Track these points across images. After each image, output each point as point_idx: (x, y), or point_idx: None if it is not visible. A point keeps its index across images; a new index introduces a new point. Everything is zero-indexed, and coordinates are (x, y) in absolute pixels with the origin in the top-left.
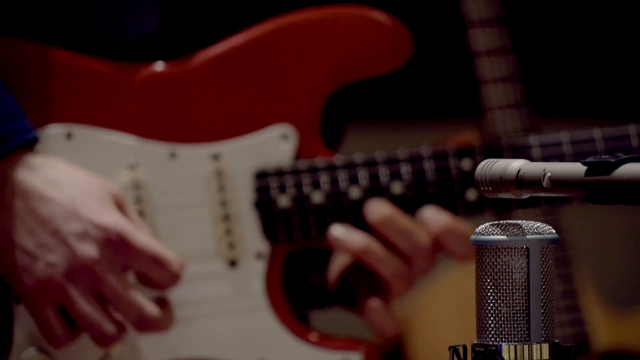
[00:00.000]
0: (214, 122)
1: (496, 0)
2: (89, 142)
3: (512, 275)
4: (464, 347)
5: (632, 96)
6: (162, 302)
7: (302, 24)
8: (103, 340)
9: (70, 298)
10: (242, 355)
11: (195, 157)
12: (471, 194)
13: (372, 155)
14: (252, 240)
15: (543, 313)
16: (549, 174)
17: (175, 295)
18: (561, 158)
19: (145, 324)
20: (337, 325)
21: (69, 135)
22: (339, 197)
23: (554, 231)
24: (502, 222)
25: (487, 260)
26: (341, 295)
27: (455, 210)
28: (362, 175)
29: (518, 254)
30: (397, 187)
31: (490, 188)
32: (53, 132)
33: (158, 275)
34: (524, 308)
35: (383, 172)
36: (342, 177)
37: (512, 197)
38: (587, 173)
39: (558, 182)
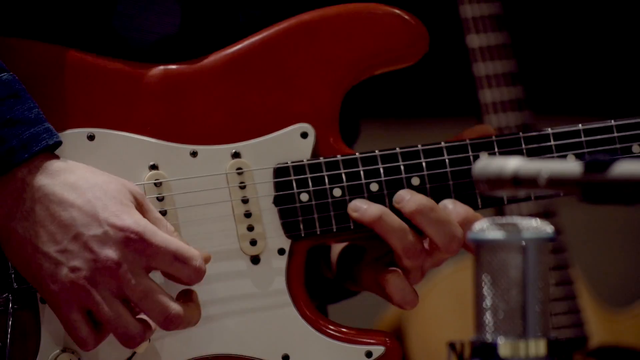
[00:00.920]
0: (233, 123)
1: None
2: (110, 142)
3: (508, 272)
4: (462, 343)
5: (630, 94)
6: (188, 296)
7: (319, 22)
8: (130, 341)
9: (95, 302)
10: (267, 352)
11: (216, 155)
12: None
13: (390, 149)
14: (274, 236)
15: (539, 309)
16: (544, 173)
17: (198, 293)
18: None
19: (171, 323)
20: (353, 312)
21: (91, 137)
22: (358, 191)
23: (550, 228)
24: (499, 220)
25: (484, 257)
26: (343, 274)
27: (474, 202)
28: (381, 169)
29: (514, 251)
30: (415, 180)
31: (487, 186)
32: (75, 133)
33: (181, 273)
34: (520, 304)
35: (402, 166)
36: (362, 171)
37: (509, 194)
38: (582, 172)
39: (554, 181)
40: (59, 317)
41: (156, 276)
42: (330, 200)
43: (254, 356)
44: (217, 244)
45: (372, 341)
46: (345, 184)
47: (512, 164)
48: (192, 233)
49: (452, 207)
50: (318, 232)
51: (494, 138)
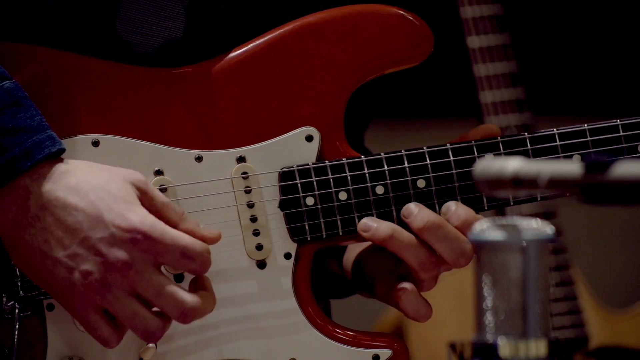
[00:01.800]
0: (237, 127)
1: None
2: (115, 148)
3: (509, 273)
4: (462, 343)
5: (631, 94)
6: (201, 284)
7: (323, 24)
8: (150, 336)
9: (110, 303)
10: (274, 357)
11: (221, 159)
12: None
13: (396, 151)
14: (280, 240)
15: (539, 310)
16: (544, 174)
17: None
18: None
19: (187, 316)
20: (354, 313)
21: (95, 143)
22: (364, 194)
23: (550, 229)
24: (499, 220)
25: (485, 257)
26: (357, 282)
27: (480, 203)
28: (387, 171)
29: (515, 252)
30: (421, 183)
31: (488, 187)
32: (80, 139)
33: (189, 267)
34: (520, 305)
35: (407, 168)
36: (367, 174)
37: (510, 195)
38: (583, 173)
39: (554, 182)
40: (77, 320)
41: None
42: (335, 203)
43: None
44: (222, 248)
45: (379, 344)
46: (350, 187)
47: (513, 164)
48: None
49: (454, 209)
50: (324, 236)
51: (499, 139)
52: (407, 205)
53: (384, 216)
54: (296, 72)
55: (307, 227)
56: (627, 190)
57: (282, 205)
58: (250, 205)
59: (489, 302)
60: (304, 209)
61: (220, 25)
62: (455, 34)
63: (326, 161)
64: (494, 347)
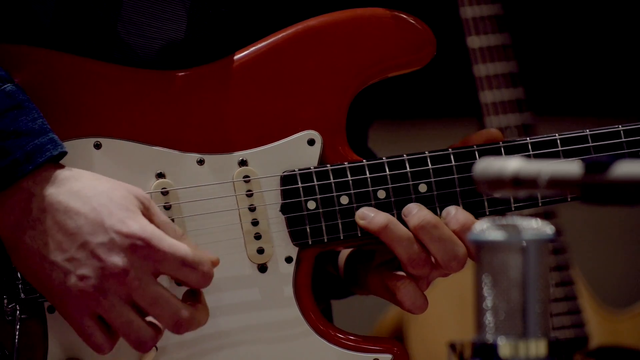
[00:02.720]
0: (239, 131)
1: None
2: (117, 151)
3: (509, 273)
4: (462, 343)
5: (631, 94)
6: (195, 297)
7: (326, 28)
8: (142, 345)
9: (105, 309)
10: None
11: (223, 163)
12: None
13: (398, 156)
14: (281, 244)
15: (539, 310)
16: (545, 174)
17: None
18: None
19: (181, 327)
20: (355, 313)
21: (97, 145)
22: (366, 198)
23: (550, 229)
24: (499, 220)
25: (485, 258)
26: (350, 278)
27: (482, 207)
28: (389, 176)
29: (515, 252)
30: (423, 187)
31: (488, 187)
32: (82, 141)
33: (189, 278)
34: (520, 305)
35: (409, 173)
36: (369, 178)
37: (510, 195)
38: (583, 173)
39: (554, 182)
40: (71, 325)
41: (164, 280)
42: (337, 207)
43: None
44: (224, 252)
45: (379, 349)
46: (352, 191)
47: (513, 164)
48: (199, 241)
49: (454, 214)
50: (325, 240)
51: (501, 144)
52: (408, 205)
53: None
54: (298, 75)
55: (308, 231)
56: (627, 190)
57: (284, 209)
58: (252, 209)
59: (489, 302)
60: (305, 212)
61: (222, 27)
62: (455, 34)
63: (328, 165)
64: (494, 347)
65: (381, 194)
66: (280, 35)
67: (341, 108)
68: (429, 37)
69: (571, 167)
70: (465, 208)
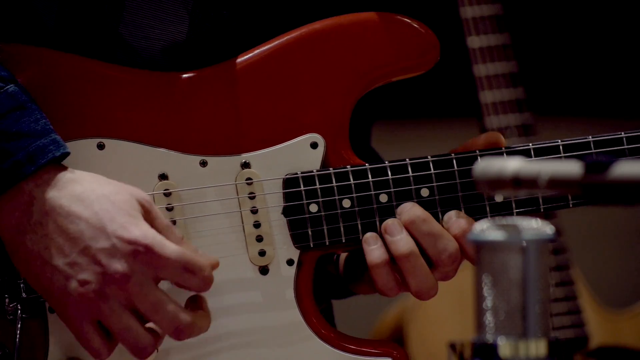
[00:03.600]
0: (243, 133)
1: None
2: (120, 152)
3: (509, 273)
4: (462, 343)
5: (631, 95)
6: (197, 304)
7: (330, 31)
8: (141, 352)
9: (105, 314)
10: None
11: (226, 165)
12: (499, 195)
13: (400, 160)
14: (283, 247)
15: (539, 310)
16: (545, 174)
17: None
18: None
19: (182, 333)
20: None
21: (101, 146)
22: (368, 202)
23: (550, 229)
24: (499, 220)
25: (485, 257)
26: (349, 275)
27: (484, 212)
28: (391, 180)
29: (515, 252)
30: (425, 192)
31: (488, 187)
32: (85, 142)
33: (190, 283)
34: (520, 305)
35: (411, 177)
36: (371, 182)
37: (510, 195)
38: (583, 173)
39: (554, 182)
40: (70, 329)
41: (165, 285)
42: (339, 211)
43: None
44: (225, 254)
45: (378, 352)
46: (354, 194)
47: (513, 164)
48: (201, 243)
49: (455, 218)
50: (327, 243)
51: (503, 149)
52: (403, 204)
53: None
54: (302, 79)
55: (310, 234)
56: (627, 190)
57: (286, 212)
58: (254, 211)
59: (489, 302)
60: (307, 215)
61: (224, 30)
62: (455, 34)
63: (330, 168)
64: (494, 347)
65: (383, 198)
66: (284, 38)
67: (344, 112)
68: (433, 41)
69: (571, 167)
70: (467, 213)
